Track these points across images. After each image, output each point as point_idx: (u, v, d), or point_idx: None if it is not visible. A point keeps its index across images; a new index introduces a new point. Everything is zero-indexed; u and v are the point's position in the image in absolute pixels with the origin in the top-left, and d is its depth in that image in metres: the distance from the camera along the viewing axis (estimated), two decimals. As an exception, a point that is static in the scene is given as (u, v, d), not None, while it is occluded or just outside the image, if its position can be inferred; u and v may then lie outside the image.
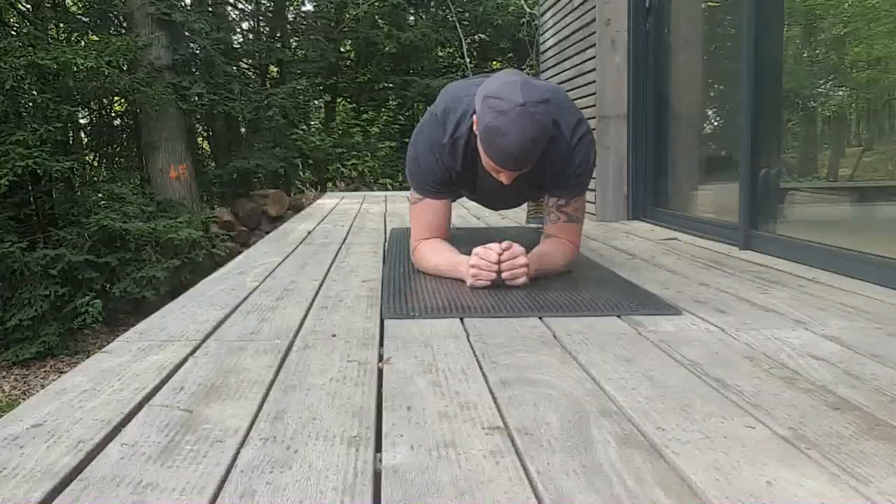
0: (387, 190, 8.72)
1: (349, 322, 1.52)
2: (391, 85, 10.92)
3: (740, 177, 2.52)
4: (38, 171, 6.30)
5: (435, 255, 1.96)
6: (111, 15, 8.55)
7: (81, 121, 8.84)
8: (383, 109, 11.10)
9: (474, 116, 1.73)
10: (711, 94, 3.63)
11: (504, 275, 1.75)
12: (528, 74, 2.02)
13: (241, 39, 10.71)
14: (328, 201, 5.28)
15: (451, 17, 10.71)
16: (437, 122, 1.90)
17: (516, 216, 3.75)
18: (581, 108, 3.37)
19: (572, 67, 3.74)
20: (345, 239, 2.96)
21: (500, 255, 1.74)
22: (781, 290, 1.82)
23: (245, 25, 11.29)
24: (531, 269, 1.78)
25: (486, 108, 1.64)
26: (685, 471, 0.81)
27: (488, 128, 1.63)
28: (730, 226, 2.63)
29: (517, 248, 1.76)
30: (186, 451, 0.87)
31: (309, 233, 3.21)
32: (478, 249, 1.78)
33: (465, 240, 2.75)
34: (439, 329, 1.45)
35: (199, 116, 9.31)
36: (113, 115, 9.49)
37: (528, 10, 9.37)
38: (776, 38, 2.58)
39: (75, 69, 6.54)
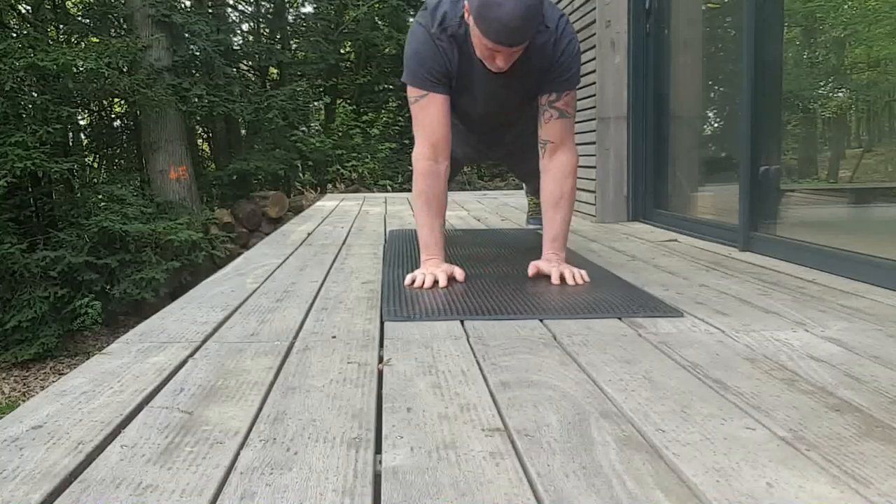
0: (386, 191, 8.72)
1: (349, 324, 1.52)
2: (391, 86, 10.92)
3: (740, 178, 2.52)
4: (38, 172, 6.31)
5: (422, 215, 1.98)
6: (111, 17, 8.56)
7: (81, 122, 8.85)
8: (383, 111, 11.10)
9: (466, 4, 1.75)
10: (711, 95, 3.63)
11: (570, 280, 1.91)
12: None
13: (241, 41, 10.73)
14: (328, 203, 5.28)
15: (451, 18, 10.69)
16: (427, 14, 1.92)
17: (517, 218, 3.75)
18: (581, 110, 3.39)
19: (572, 69, 3.73)
20: (345, 240, 2.96)
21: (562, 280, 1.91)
22: (781, 292, 1.82)
23: (245, 27, 11.32)
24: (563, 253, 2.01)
25: None
26: (685, 472, 0.81)
27: (481, 3, 1.66)
28: (729, 227, 2.63)
29: (577, 271, 1.92)
30: (186, 452, 0.87)
31: (309, 234, 3.21)
32: (427, 272, 1.88)
33: (465, 241, 2.76)
34: (439, 331, 1.45)
35: (198, 118, 9.31)
36: (113, 116, 9.50)
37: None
38: (776, 39, 2.58)
39: (75, 71, 6.55)
